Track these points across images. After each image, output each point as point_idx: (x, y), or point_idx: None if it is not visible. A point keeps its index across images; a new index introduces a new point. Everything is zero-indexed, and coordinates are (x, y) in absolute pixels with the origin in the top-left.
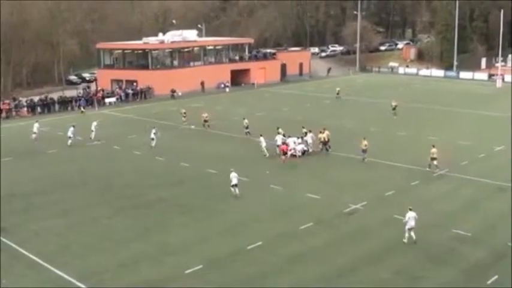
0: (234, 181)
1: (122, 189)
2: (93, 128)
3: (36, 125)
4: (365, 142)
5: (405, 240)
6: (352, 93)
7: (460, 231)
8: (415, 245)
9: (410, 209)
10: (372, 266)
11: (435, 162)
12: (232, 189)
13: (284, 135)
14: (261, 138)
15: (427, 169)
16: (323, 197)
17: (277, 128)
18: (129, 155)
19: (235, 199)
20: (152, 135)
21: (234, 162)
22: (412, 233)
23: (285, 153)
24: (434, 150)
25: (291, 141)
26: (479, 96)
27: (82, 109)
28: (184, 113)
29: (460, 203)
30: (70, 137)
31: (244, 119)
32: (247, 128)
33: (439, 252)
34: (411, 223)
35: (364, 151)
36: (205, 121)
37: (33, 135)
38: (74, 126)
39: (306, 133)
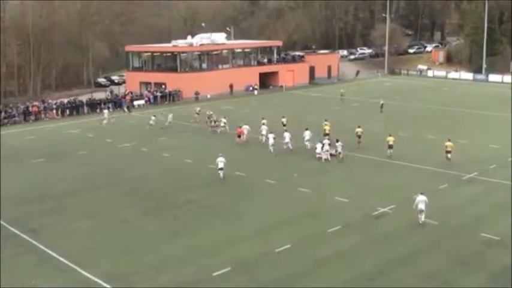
0: (220, 165)
1: (151, 191)
2: (169, 119)
3: (153, 118)
4: (391, 138)
5: (420, 222)
6: (380, 96)
7: (489, 235)
8: (443, 249)
9: (421, 193)
10: (401, 269)
11: (449, 155)
12: (218, 172)
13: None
14: (245, 126)
15: (445, 161)
16: (351, 200)
17: (262, 119)
18: (158, 157)
19: (263, 201)
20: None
21: (261, 164)
22: (422, 216)
23: (239, 136)
24: (448, 143)
25: (325, 143)
26: (508, 99)
27: (126, 109)
28: (198, 112)
29: (489, 207)
30: (152, 125)
31: (224, 117)
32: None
33: (468, 256)
34: (421, 206)
35: (390, 147)
36: (208, 118)
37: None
38: (155, 116)
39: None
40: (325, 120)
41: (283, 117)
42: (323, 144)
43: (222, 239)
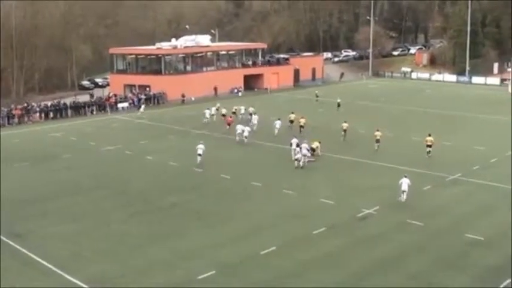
0: (199, 151)
1: (136, 195)
2: (213, 112)
3: (207, 112)
4: (379, 133)
5: (399, 199)
6: (365, 98)
7: (473, 235)
8: (428, 250)
9: (405, 176)
10: (386, 271)
11: (429, 149)
12: (197, 157)
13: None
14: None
15: (426, 156)
16: (336, 201)
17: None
18: (142, 160)
19: (248, 204)
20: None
21: (246, 167)
22: (404, 195)
23: (229, 124)
24: (429, 138)
25: (303, 147)
26: (491, 101)
27: (141, 109)
28: (218, 108)
29: (472, 208)
30: (207, 118)
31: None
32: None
33: (452, 257)
34: (404, 187)
35: (377, 141)
36: (234, 113)
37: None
38: (208, 109)
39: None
40: (292, 113)
41: (235, 107)
42: (299, 147)
43: (207, 241)
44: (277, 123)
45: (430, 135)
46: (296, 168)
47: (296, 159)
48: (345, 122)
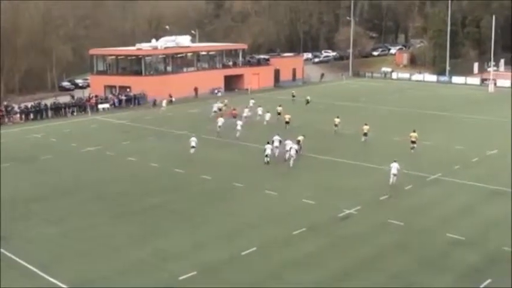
0: (192, 144)
1: (117, 196)
2: (215, 108)
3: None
4: (366, 127)
5: (390, 183)
6: (345, 99)
7: (454, 235)
8: (409, 249)
9: (395, 161)
10: (366, 270)
11: (414, 145)
12: (191, 149)
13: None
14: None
15: (411, 151)
16: (317, 202)
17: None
18: (123, 161)
19: (230, 204)
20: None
21: (228, 168)
22: (393, 179)
23: (234, 117)
24: (413, 134)
25: (288, 143)
26: (471, 101)
27: (164, 105)
28: (225, 105)
29: (454, 207)
30: (215, 111)
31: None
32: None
33: (433, 256)
34: (393, 171)
35: (365, 134)
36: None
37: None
38: (216, 103)
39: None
40: (279, 106)
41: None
42: (289, 148)
43: (188, 242)
44: (267, 116)
45: (414, 131)
46: (265, 164)
47: (266, 155)
48: (337, 117)
